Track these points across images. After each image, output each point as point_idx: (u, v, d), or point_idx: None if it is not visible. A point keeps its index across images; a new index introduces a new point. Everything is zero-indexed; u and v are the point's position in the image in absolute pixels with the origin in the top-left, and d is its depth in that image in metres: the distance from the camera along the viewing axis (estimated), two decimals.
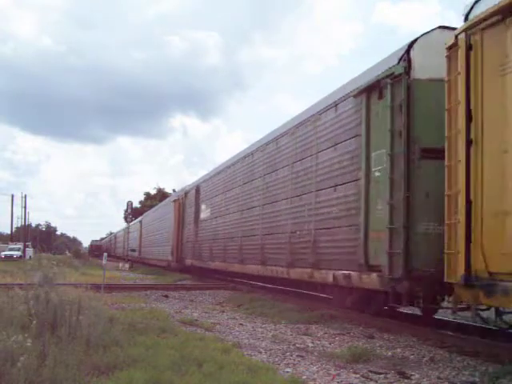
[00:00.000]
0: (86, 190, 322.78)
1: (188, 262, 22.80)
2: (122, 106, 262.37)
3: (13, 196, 60.70)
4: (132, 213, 44.87)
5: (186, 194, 24.14)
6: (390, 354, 6.63)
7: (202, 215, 20.54)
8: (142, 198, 75.98)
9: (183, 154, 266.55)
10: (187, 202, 23.71)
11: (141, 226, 41.21)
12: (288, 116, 13.57)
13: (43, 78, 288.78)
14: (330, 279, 9.27)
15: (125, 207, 67.96)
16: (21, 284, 8.24)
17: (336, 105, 9.58)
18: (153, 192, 74.20)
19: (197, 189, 21.91)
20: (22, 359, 4.16)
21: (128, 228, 43.83)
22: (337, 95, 9.87)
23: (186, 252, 23.49)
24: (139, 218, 44.82)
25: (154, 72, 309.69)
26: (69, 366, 4.55)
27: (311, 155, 10.43)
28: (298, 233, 10.87)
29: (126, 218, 61.44)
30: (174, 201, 26.40)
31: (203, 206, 20.52)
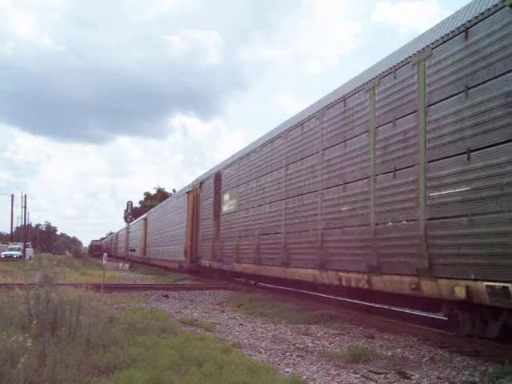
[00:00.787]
0: (86, 190, 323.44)
1: (205, 262, 19.65)
2: (122, 105, 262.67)
3: (13, 196, 60.68)
4: (132, 213, 44.83)
5: (202, 183, 21.00)
6: (390, 353, 6.63)
7: (225, 207, 16.87)
8: (142, 198, 75.93)
9: (183, 154, 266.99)
10: (203, 193, 20.52)
11: (146, 224, 38.42)
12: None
13: (43, 77, 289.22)
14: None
15: (125, 207, 67.99)
16: (21, 284, 8.23)
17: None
18: (153, 192, 74.17)
19: (216, 176, 18.39)
20: (23, 359, 4.16)
21: (129, 228, 43.50)
22: (370, 74, 8.76)
23: (202, 251, 20.26)
24: (144, 215, 42.10)
25: (153, 72, 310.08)
26: (69, 366, 4.55)
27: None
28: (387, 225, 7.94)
29: (125, 218, 61.41)
30: (188, 193, 22.93)
31: (226, 197, 16.91)
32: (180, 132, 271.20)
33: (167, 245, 28.01)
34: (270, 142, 13.27)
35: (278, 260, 11.92)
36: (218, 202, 17.90)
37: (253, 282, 17.37)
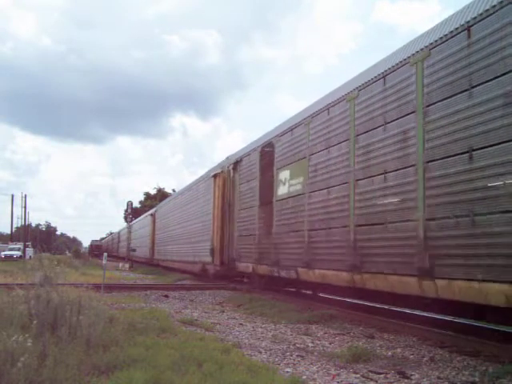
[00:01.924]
0: (86, 190, 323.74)
1: (244, 266, 14.92)
2: (122, 105, 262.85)
3: (13, 196, 60.88)
4: (132, 213, 44.81)
5: (238, 163, 15.96)
6: (390, 353, 6.63)
7: (283, 190, 12.04)
8: (142, 198, 75.99)
9: (183, 154, 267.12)
10: (240, 174, 15.61)
11: (154, 220, 33.94)
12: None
13: (43, 77, 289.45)
14: None
15: (125, 207, 68.07)
16: (21, 284, 8.23)
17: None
18: (153, 192, 74.24)
19: (265, 149, 13.51)
20: (23, 359, 4.17)
21: (131, 226, 42.86)
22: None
23: (239, 251, 15.42)
24: (151, 211, 38.02)
25: (153, 72, 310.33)
26: (69, 366, 4.56)
27: None
28: None
29: (126, 218, 61.48)
30: (215, 176, 18.12)
31: (284, 175, 12.03)
32: (180, 132, 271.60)
33: (184, 243, 23.19)
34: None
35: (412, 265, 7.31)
36: (267, 185, 13.07)
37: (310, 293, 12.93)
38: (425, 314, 9.13)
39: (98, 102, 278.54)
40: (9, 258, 43.67)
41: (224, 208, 17.37)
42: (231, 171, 16.77)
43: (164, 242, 29.54)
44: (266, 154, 13.41)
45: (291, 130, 11.93)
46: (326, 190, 10.01)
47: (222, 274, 17.73)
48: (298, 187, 11.22)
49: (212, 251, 17.86)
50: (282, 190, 12.22)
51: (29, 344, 4.60)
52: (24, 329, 5.57)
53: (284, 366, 5.75)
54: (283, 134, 12.40)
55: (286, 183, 11.98)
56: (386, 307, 10.38)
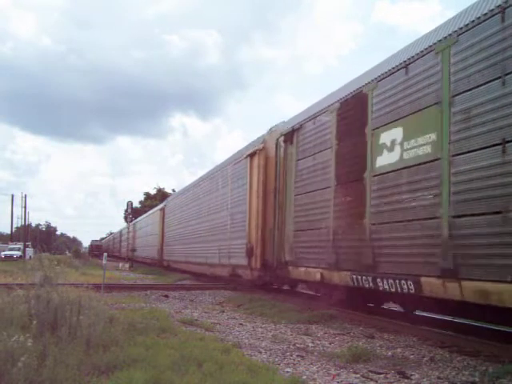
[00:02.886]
0: (86, 190, 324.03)
1: (306, 273, 10.81)
2: (122, 105, 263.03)
3: (13, 196, 60.86)
4: (132, 213, 44.81)
5: (295, 132, 11.75)
6: (390, 353, 6.63)
7: (391, 157, 8.19)
8: (142, 198, 76.01)
9: (183, 154, 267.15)
10: (298, 147, 11.53)
11: (163, 215, 29.89)
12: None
13: (43, 77, 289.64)
14: None
15: (125, 207, 68.08)
16: (21, 284, 8.24)
17: None
18: (153, 192, 74.24)
19: (344, 108, 9.72)
20: (23, 359, 4.17)
21: (134, 224, 42.08)
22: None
23: (296, 252, 11.29)
24: (159, 206, 33.85)
25: (153, 72, 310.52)
26: (69, 366, 4.56)
27: None
28: None
29: (126, 218, 61.50)
30: (252, 155, 14.24)
31: (392, 135, 8.22)
32: (180, 132, 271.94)
33: (203, 241, 19.35)
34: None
35: None
36: (351, 155, 9.28)
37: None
38: (425, 314, 9.13)
39: (98, 102, 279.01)
40: (9, 258, 43.67)
41: (267, 195, 13.39)
42: (281, 146, 12.58)
43: (177, 241, 25.15)
44: (350, 112, 9.41)
45: (406, 66, 8.00)
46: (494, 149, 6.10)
47: (265, 282, 13.74)
48: (424, 151, 7.41)
49: (249, 251, 13.73)
50: (385, 159, 8.33)
51: (29, 344, 4.60)
52: (24, 329, 5.58)
53: (284, 366, 5.76)
54: (387, 75, 8.45)
55: (396, 148, 8.10)
56: (385, 307, 10.39)
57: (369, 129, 8.77)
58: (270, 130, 14.01)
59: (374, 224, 8.36)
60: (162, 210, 30.32)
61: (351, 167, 9.26)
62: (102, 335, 5.85)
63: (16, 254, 46.95)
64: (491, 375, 5.36)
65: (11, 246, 52.53)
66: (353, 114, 9.37)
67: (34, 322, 5.68)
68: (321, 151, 10.44)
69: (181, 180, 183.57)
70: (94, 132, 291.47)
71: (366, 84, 9.00)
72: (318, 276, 10.13)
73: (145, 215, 40.79)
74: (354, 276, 8.84)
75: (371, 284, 8.36)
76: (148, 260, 35.21)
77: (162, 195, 65.51)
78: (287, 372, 5.44)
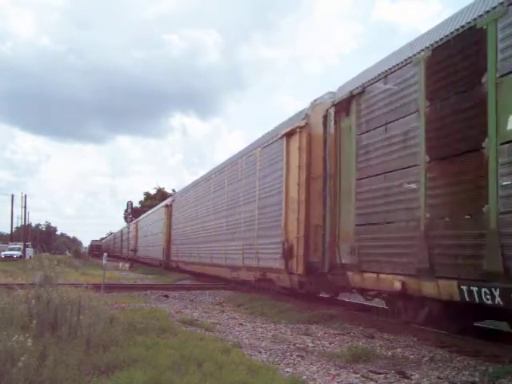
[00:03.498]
0: (86, 190, 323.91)
1: (376, 281, 8.20)
2: (122, 105, 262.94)
3: (13, 196, 60.69)
4: (132, 213, 44.81)
5: (355, 98, 9.09)
6: (390, 353, 6.64)
7: None
8: (142, 198, 76.02)
9: (183, 154, 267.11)
10: (360, 118, 8.88)
11: (169, 212, 27.53)
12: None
13: (42, 77, 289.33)
14: None
15: (125, 207, 68.11)
16: (21, 284, 8.24)
17: None
18: (153, 192, 74.27)
19: (439, 55, 7.12)
20: (23, 359, 4.17)
21: (135, 224, 41.18)
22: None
23: (361, 253, 8.50)
24: (165, 201, 31.21)
25: (153, 71, 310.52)
26: (69, 366, 4.56)
27: None
28: None
29: (126, 218, 61.51)
30: (290, 134, 11.64)
31: None
32: (180, 132, 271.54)
33: (224, 239, 16.61)
34: None
35: None
36: (454, 119, 6.78)
37: None
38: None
39: (98, 102, 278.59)
40: (9, 258, 43.64)
41: (311, 183, 10.83)
42: (331, 119, 9.75)
43: (188, 239, 22.45)
44: (451, 59, 6.88)
45: None
46: None
47: (308, 290, 11.03)
48: None
49: (286, 252, 11.09)
50: None
51: (29, 344, 4.60)
52: (24, 329, 5.58)
53: (284, 366, 5.76)
54: None
55: None
56: (386, 307, 10.38)
57: (490, 77, 6.17)
58: (314, 102, 11.15)
59: (505, 213, 5.75)
60: (169, 206, 27.81)
61: (457, 135, 6.64)
62: (102, 335, 5.85)
63: (16, 254, 46.94)
64: (491, 375, 5.36)
65: (11, 245, 52.51)
66: (457, 60, 6.81)
67: (34, 321, 5.68)
68: (399, 119, 7.75)
69: (181, 180, 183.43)
70: (94, 132, 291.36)
71: (483, 15, 6.38)
72: (398, 285, 7.55)
73: (148, 213, 39.22)
74: (465, 287, 6.25)
75: (499, 300, 5.73)
76: (151, 260, 33.17)
77: (161, 195, 65.53)
78: (287, 372, 5.44)
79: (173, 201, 27.64)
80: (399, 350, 6.90)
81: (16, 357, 4.25)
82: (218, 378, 4.72)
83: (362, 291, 9.52)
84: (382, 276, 7.94)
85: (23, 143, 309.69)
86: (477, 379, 5.32)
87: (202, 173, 24.16)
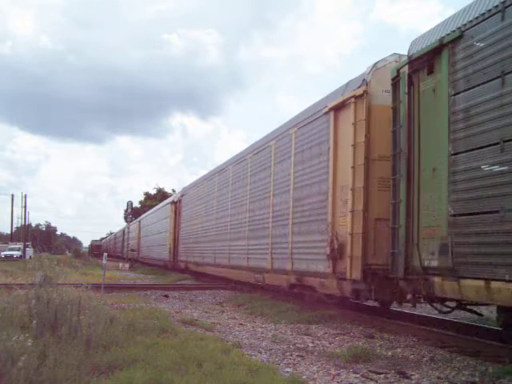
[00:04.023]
0: (86, 190, 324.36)
1: (478, 289, 5.87)
2: (122, 105, 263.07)
3: (13, 196, 60.69)
4: (132, 213, 44.80)
5: (446, 47, 6.78)
6: (390, 353, 6.64)
7: None
8: (142, 198, 76.02)
9: (183, 154, 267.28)
10: (442, 79, 6.83)
11: (176, 209, 25.12)
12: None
13: (42, 77, 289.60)
14: None
15: (125, 207, 68.14)
16: (21, 284, 8.24)
17: None
18: (153, 192, 74.27)
19: None
20: (23, 359, 4.17)
21: (138, 223, 40.33)
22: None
23: (455, 251, 6.29)
24: (171, 198, 29.13)
25: (152, 71, 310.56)
26: (69, 366, 4.56)
27: None
28: None
29: (126, 218, 61.55)
30: (338, 108, 9.52)
31: None
32: (180, 132, 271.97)
33: (244, 237, 14.49)
34: None
35: None
36: None
37: None
38: (424, 314, 9.14)
39: (98, 102, 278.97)
40: (9, 257, 43.66)
41: (370, 166, 8.59)
42: (404, 81, 7.61)
43: (200, 237, 20.35)
44: None
45: None
46: None
47: (368, 298, 8.99)
48: None
49: (335, 251, 9.01)
50: None
51: (29, 344, 4.60)
52: (24, 329, 5.57)
53: (284, 366, 5.76)
54: None
55: None
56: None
57: None
58: (375, 65, 8.92)
59: None
60: (176, 202, 25.62)
61: None
62: (102, 335, 5.85)
63: (16, 253, 46.97)
64: (491, 375, 5.37)
65: (11, 245, 52.52)
66: None
67: (34, 321, 5.68)
68: None
69: (181, 180, 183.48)
70: (94, 132, 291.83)
71: None
72: None
73: (152, 210, 36.98)
74: None
75: None
76: (156, 261, 31.20)
77: (161, 195, 65.53)
78: (287, 372, 5.44)
79: (181, 196, 25.01)
80: (399, 350, 6.90)
81: (16, 357, 4.24)
82: (218, 378, 4.72)
83: (442, 301, 7.37)
84: (494, 285, 5.62)
85: (23, 143, 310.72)
86: (477, 379, 5.32)
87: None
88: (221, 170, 18.42)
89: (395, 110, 7.81)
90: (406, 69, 7.61)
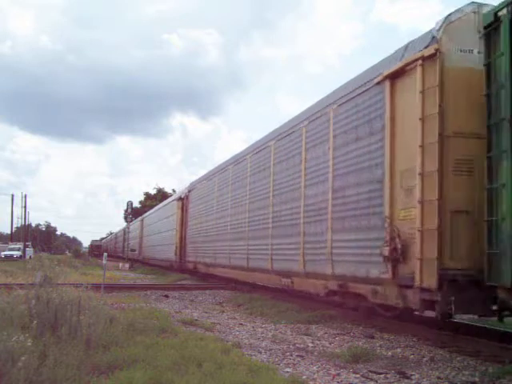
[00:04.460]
0: (86, 190, 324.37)
1: None
2: (122, 105, 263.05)
3: (13, 196, 60.69)
4: (132, 213, 44.76)
5: None
6: (390, 353, 6.64)
7: None
8: (142, 197, 76.01)
9: (183, 154, 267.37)
10: None
11: (183, 206, 23.54)
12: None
13: (42, 76, 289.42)
14: None
15: (125, 207, 68.11)
16: (21, 284, 8.24)
17: None
18: (153, 192, 74.25)
19: None
20: (23, 359, 4.17)
21: (140, 222, 39.63)
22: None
23: None
24: (177, 194, 27.63)
25: (152, 71, 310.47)
26: (69, 365, 4.56)
27: None
28: None
29: (126, 218, 61.53)
30: (395, 76, 7.65)
31: None
32: (180, 132, 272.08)
33: (269, 235, 12.40)
34: None
35: None
36: None
37: None
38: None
39: (98, 102, 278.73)
40: (9, 257, 43.65)
41: (444, 144, 6.78)
42: (504, 29, 5.83)
43: (212, 236, 18.22)
44: None
45: None
46: None
47: (446, 313, 6.55)
48: None
49: (395, 253, 7.27)
50: None
51: (29, 344, 4.60)
52: (24, 329, 5.57)
53: (284, 366, 5.76)
54: None
55: None
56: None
57: None
58: (447, 18, 6.97)
59: None
60: (183, 199, 23.64)
61: None
62: (102, 335, 5.85)
63: (16, 253, 46.95)
64: (491, 375, 5.37)
65: (11, 245, 52.50)
66: None
67: (34, 321, 5.68)
68: None
69: (181, 180, 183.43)
70: (94, 132, 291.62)
71: None
72: None
73: (155, 208, 34.94)
74: None
75: None
76: (160, 261, 29.55)
77: (161, 195, 65.50)
78: (287, 372, 5.44)
79: (189, 192, 22.87)
80: (399, 350, 6.90)
81: (16, 357, 4.24)
82: (217, 378, 4.72)
83: None
84: None
85: (23, 143, 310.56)
86: (477, 379, 5.32)
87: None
88: (236, 161, 16.21)
89: (489, 67, 6.06)
90: (505, 11, 5.72)
